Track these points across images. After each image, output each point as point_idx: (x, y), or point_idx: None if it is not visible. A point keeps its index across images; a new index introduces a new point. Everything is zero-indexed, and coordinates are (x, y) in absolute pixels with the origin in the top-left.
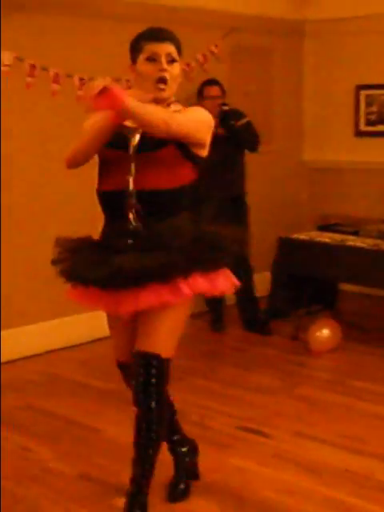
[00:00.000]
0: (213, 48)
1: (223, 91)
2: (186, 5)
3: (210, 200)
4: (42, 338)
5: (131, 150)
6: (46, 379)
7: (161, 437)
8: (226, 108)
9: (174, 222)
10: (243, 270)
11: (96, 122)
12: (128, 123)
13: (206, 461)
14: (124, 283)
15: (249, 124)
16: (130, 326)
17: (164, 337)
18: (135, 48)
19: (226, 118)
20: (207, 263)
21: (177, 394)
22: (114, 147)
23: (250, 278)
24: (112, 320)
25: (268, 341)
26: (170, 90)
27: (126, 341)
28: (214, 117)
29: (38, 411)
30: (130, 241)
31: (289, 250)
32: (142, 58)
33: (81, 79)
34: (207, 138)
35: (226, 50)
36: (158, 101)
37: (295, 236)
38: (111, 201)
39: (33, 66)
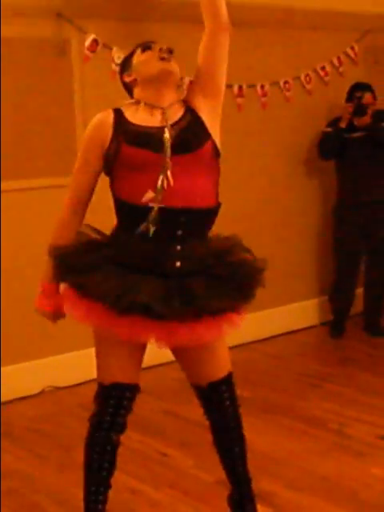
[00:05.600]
0: (349, 51)
1: (375, 97)
2: (318, 7)
3: (355, 205)
4: None
5: (168, 151)
6: (183, 386)
7: None
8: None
9: (210, 244)
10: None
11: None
12: (156, 121)
13: (343, 469)
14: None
15: None
16: (140, 349)
17: (227, 355)
18: (128, 59)
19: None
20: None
21: (313, 400)
22: (141, 146)
23: None
24: (119, 343)
25: None
26: (176, 66)
27: (137, 362)
28: (365, 122)
29: (175, 417)
30: (178, 263)
31: None
32: (136, 55)
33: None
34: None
35: (361, 51)
36: (166, 73)
37: None
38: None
39: None
